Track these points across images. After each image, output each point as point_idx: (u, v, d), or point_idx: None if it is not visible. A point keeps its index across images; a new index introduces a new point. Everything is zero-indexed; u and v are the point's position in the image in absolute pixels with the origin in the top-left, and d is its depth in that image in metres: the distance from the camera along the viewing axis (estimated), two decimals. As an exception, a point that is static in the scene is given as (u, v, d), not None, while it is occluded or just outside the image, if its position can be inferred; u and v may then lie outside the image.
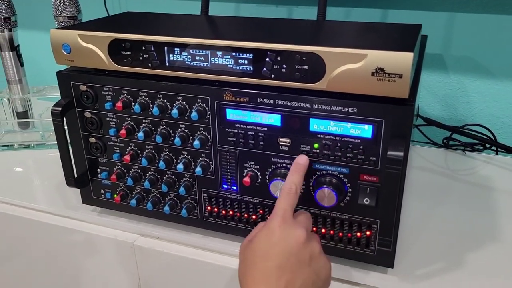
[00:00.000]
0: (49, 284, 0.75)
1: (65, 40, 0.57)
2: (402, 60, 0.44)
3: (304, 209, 0.54)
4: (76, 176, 0.64)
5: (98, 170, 0.64)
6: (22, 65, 0.90)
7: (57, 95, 0.92)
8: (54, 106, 0.59)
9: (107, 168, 0.63)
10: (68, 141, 0.62)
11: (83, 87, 0.59)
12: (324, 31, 0.60)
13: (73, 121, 0.62)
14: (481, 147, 0.85)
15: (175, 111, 0.55)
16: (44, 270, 0.74)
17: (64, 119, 0.60)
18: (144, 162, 0.59)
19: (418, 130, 0.89)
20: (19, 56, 0.89)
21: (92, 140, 0.62)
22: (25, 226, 0.71)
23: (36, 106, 0.94)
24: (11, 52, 0.88)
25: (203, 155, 0.57)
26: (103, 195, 0.66)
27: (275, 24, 0.64)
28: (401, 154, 0.46)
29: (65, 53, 0.58)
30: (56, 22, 0.86)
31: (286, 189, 0.48)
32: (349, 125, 0.49)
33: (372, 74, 0.45)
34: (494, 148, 0.84)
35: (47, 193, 0.74)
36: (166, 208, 0.61)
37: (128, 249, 0.64)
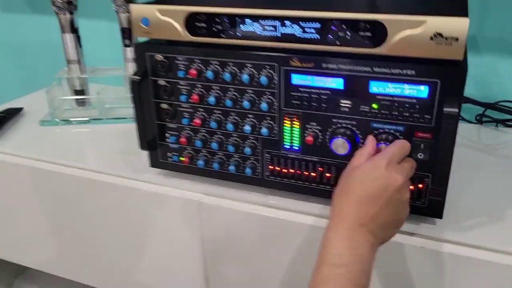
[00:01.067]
0: (119, 240, 0.81)
1: (144, 14, 0.63)
2: (459, 24, 0.50)
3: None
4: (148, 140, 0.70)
5: (167, 134, 0.70)
6: (80, 46, 0.97)
7: (108, 76, 1.00)
8: (132, 75, 0.66)
9: (176, 133, 0.70)
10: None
11: (158, 57, 0.65)
12: (381, 0, 0.66)
13: (145, 90, 0.68)
14: (513, 122, 0.90)
15: (245, 76, 0.61)
16: (113, 227, 0.80)
17: (140, 86, 0.67)
18: (213, 125, 0.66)
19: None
20: (78, 38, 0.96)
21: (164, 106, 0.68)
22: (96, 188, 0.77)
23: (92, 86, 1.02)
24: (71, 34, 0.95)
25: (268, 117, 0.63)
26: (170, 158, 0.72)
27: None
28: (456, 110, 0.52)
29: (144, 26, 0.64)
30: (114, 6, 0.93)
31: (402, 142, 0.55)
32: (406, 86, 0.55)
33: (431, 38, 0.51)
34: (525, 123, 0.89)
35: (113, 160, 0.81)
36: (232, 167, 0.67)
37: (194, 207, 0.70)
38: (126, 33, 0.95)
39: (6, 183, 0.86)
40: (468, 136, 0.88)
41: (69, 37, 0.95)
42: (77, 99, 1.00)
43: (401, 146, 0.55)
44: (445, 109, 0.52)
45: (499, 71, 0.93)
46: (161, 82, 0.67)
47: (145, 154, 0.74)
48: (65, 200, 0.82)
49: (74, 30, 0.95)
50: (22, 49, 1.40)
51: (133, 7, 0.64)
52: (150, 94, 0.68)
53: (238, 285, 0.74)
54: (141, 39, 0.68)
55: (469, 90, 0.95)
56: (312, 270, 0.47)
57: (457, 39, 0.50)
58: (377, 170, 0.51)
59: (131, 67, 0.98)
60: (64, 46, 0.96)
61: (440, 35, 0.51)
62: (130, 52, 0.97)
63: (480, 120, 0.92)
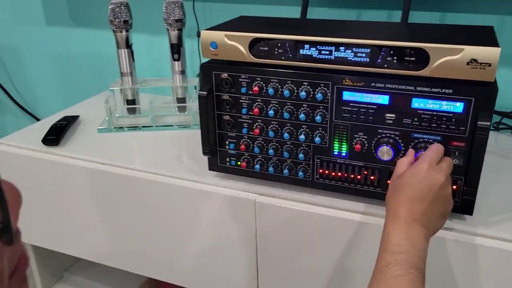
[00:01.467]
0: (175, 236, 0.91)
1: (213, 39, 0.73)
2: (492, 53, 0.60)
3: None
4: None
5: (226, 142, 0.80)
6: (133, 60, 1.07)
7: (156, 86, 1.09)
8: (200, 90, 0.76)
9: (235, 141, 0.79)
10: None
11: (224, 75, 0.75)
12: (419, 31, 0.76)
13: (209, 103, 0.78)
14: (527, 130, 1.00)
15: (303, 93, 0.71)
16: (169, 224, 0.90)
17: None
18: (270, 134, 0.76)
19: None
20: (132, 53, 1.06)
21: (226, 117, 0.78)
22: (158, 189, 0.87)
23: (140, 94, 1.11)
24: (126, 49, 1.05)
25: (321, 128, 0.73)
26: (228, 163, 0.82)
27: (371, 25, 0.80)
28: (488, 123, 0.62)
29: (212, 49, 0.74)
30: (165, 25, 1.03)
31: (436, 146, 0.65)
32: (444, 102, 0.65)
33: (467, 63, 0.61)
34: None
35: (169, 163, 0.90)
36: (286, 171, 0.77)
37: (250, 205, 0.80)
38: (175, 48, 1.05)
39: (69, 184, 0.95)
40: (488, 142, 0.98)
41: (123, 53, 1.05)
42: (128, 108, 1.10)
43: (436, 149, 0.65)
44: (479, 122, 0.62)
45: (514, 83, 1.03)
46: (225, 97, 0.77)
47: (198, 158, 0.84)
48: (124, 199, 0.91)
49: (129, 46, 1.05)
50: (63, 60, 1.50)
51: (203, 32, 0.74)
52: (213, 107, 0.78)
53: (288, 280, 0.83)
54: (204, 59, 0.77)
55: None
56: (376, 260, 0.57)
57: (490, 65, 0.60)
58: (421, 173, 0.61)
59: (178, 79, 1.08)
60: (119, 60, 1.06)
61: (476, 61, 0.61)
62: (177, 65, 1.07)
63: (497, 127, 1.02)
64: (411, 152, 0.67)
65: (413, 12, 1.05)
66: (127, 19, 1.02)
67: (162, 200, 0.88)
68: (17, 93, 1.61)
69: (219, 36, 0.73)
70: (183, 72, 1.08)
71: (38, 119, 1.57)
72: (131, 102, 1.09)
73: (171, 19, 1.02)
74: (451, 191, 0.62)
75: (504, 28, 0.99)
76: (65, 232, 1.02)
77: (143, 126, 1.07)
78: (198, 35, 1.26)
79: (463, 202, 0.69)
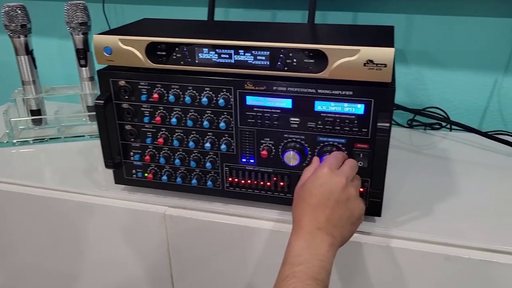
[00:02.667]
0: (86, 255, 0.85)
1: (107, 44, 0.68)
2: (386, 53, 0.59)
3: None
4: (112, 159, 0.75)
5: (131, 153, 0.75)
6: (35, 67, 0.99)
7: (64, 94, 1.02)
8: (97, 99, 0.70)
9: (140, 151, 0.75)
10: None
11: (121, 83, 0.70)
12: (320, 32, 0.75)
13: (109, 112, 0.73)
14: (438, 126, 1.02)
15: (204, 99, 0.67)
16: (80, 243, 0.84)
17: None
18: (175, 143, 0.72)
19: (386, 114, 1.05)
20: (33, 59, 0.98)
21: (128, 127, 0.73)
22: (60, 207, 0.81)
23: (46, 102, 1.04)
24: (26, 56, 0.97)
25: (226, 135, 0.70)
26: (134, 175, 0.77)
27: (276, 27, 0.78)
28: (388, 124, 0.61)
29: (106, 55, 0.69)
30: (69, 28, 0.96)
31: (337, 152, 0.64)
32: (345, 104, 0.64)
33: (364, 64, 0.60)
34: (448, 126, 1.02)
35: (77, 177, 0.84)
36: (194, 181, 0.74)
37: (160, 219, 0.76)
38: (81, 53, 0.99)
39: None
40: (401, 139, 0.99)
41: (23, 59, 0.97)
42: (33, 119, 1.02)
43: (336, 155, 0.63)
44: (379, 124, 0.61)
45: (425, 80, 1.05)
46: (124, 105, 0.72)
47: (107, 171, 0.78)
48: (30, 220, 0.84)
49: (29, 52, 0.97)
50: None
51: (95, 37, 0.68)
52: (114, 116, 0.73)
53: (204, 288, 0.80)
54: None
55: (401, 98, 1.08)
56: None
57: (385, 65, 0.60)
58: (320, 178, 0.59)
59: (87, 86, 1.02)
60: (19, 68, 0.98)
61: (372, 61, 0.60)
62: (85, 71, 1.00)
63: (411, 124, 1.03)
64: (315, 160, 0.65)
65: (328, 12, 1.05)
66: (25, 23, 0.94)
67: (70, 218, 0.81)
68: None
69: (113, 40, 0.68)
70: (91, 78, 1.01)
71: None
72: (36, 112, 1.01)
73: (73, 22, 0.95)
74: (356, 193, 0.61)
75: (413, 27, 1.01)
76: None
77: (50, 138, 1.00)
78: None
79: (371, 204, 0.68)
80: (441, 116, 1.01)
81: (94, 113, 1.01)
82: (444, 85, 1.04)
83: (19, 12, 0.93)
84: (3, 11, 0.93)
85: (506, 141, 0.91)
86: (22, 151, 0.96)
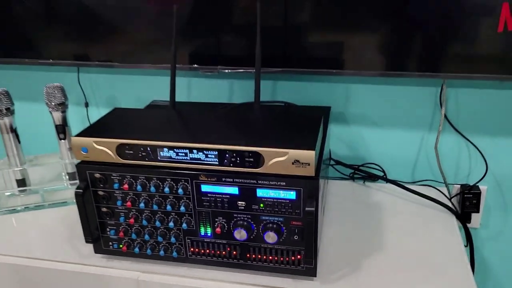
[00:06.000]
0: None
1: (83, 144, 0.82)
2: (309, 155, 0.74)
3: (258, 246, 0.83)
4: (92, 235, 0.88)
5: (108, 229, 0.89)
6: (19, 142, 1.12)
7: (46, 163, 1.14)
8: (76, 189, 0.84)
9: (115, 227, 0.88)
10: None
11: (97, 175, 0.84)
12: (260, 130, 0.86)
13: (87, 197, 0.86)
14: (376, 179, 1.19)
15: (166, 189, 0.81)
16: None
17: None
18: (144, 222, 0.85)
19: (332, 168, 1.21)
20: (17, 136, 1.11)
21: (104, 209, 0.87)
22: (44, 275, 0.94)
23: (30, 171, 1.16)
24: (10, 134, 1.09)
25: (187, 215, 0.84)
26: (111, 246, 0.90)
27: (224, 121, 0.93)
28: (313, 208, 0.76)
29: (83, 153, 0.83)
30: (49, 108, 1.09)
31: None
32: (281, 192, 0.79)
33: (292, 163, 0.75)
34: (384, 179, 1.18)
35: (60, 246, 0.97)
36: (162, 252, 0.88)
37: (134, 283, 0.89)
38: (60, 129, 1.12)
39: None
40: (344, 190, 1.15)
41: (8, 137, 1.09)
42: (19, 187, 1.14)
43: None
44: (306, 208, 0.76)
45: (364, 138, 1.21)
46: (100, 192, 0.85)
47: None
48: None
49: (13, 130, 1.10)
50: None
51: (73, 139, 0.82)
52: (92, 201, 0.86)
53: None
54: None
55: (345, 152, 1.24)
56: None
57: (309, 164, 0.75)
58: None
59: (67, 156, 1.14)
60: (4, 144, 1.10)
61: (298, 161, 0.75)
62: (64, 143, 1.13)
63: (352, 177, 1.19)
64: None
65: (277, 81, 1.20)
66: (8, 106, 1.07)
67: (53, 286, 0.94)
68: None
69: (89, 142, 0.82)
70: (70, 149, 1.14)
71: None
72: (21, 181, 1.14)
73: (53, 104, 1.08)
74: None
75: (351, 94, 1.17)
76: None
77: (35, 205, 1.12)
78: (86, 105, 1.34)
79: (307, 268, 0.83)
80: (378, 169, 1.17)
81: (75, 181, 1.14)
82: (381, 142, 1.20)
83: (2, 97, 1.06)
84: (-12, 98, 1.05)
85: (422, 194, 1.08)
86: (9, 219, 1.08)
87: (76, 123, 1.36)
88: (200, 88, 1.25)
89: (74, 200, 1.11)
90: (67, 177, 1.16)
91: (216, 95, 1.25)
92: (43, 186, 1.13)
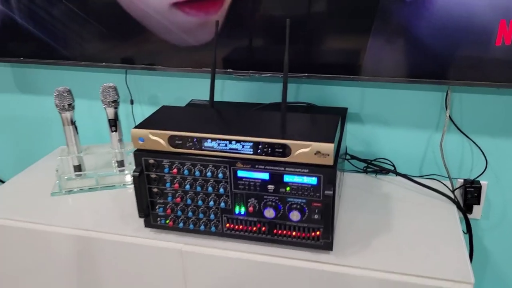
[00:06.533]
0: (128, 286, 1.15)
1: (141, 135, 0.99)
2: (329, 147, 0.90)
3: (283, 224, 0.99)
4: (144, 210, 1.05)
5: (157, 207, 1.06)
6: (77, 133, 1.30)
7: (99, 152, 1.32)
8: (133, 172, 1.01)
9: (163, 205, 1.05)
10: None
11: (150, 161, 1.01)
12: (288, 126, 1.03)
13: (142, 179, 1.03)
14: (386, 172, 1.33)
15: (209, 173, 0.98)
16: (114, 277, 1.14)
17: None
18: (188, 201, 1.02)
19: (348, 162, 1.36)
20: (76, 128, 1.29)
21: (155, 190, 1.04)
22: (103, 246, 1.11)
23: (85, 158, 1.34)
24: (71, 126, 1.28)
25: (224, 196, 1.00)
26: (159, 222, 1.08)
27: (258, 119, 1.09)
28: (331, 192, 0.92)
29: (140, 142, 1.00)
30: (103, 105, 1.27)
31: None
32: (305, 178, 0.94)
33: (315, 154, 0.91)
34: (394, 173, 1.33)
35: (114, 222, 1.15)
36: (202, 227, 1.04)
37: (177, 253, 1.06)
38: (112, 122, 1.29)
39: (28, 248, 1.17)
40: (358, 182, 1.30)
41: (68, 129, 1.27)
42: (75, 172, 1.32)
43: None
44: (325, 191, 0.92)
45: (377, 135, 1.36)
46: (152, 175, 1.02)
47: (138, 218, 1.09)
48: (74, 258, 1.14)
49: (73, 123, 1.28)
50: (11, 125, 1.68)
51: (133, 130, 0.99)
52: (145, 182, 1.03)
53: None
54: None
55: (359, 148, 1.39)
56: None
57: (328, 155, 0.90)
58: None
59: (117, 146, 1.32)
60: (65, 134, 1.28)
61: (319, 152, 0.91)
62: (115, 135, 1.31)
63: (365, 170, 1.34)
64: None
65: (301, 85, 1.36)
66: (70, 102, 1.25)
67: (108, 255, 1.12)
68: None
69: (145, 133, 0.99)
70: (120, 140, 1.32)
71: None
72: (77, 168, 1.32)
73: (107, 101, 1.26)
74: None
75: (366, 96, 1.32)
76: None
77: (89, 188, 1.30)
78: (131, 102, 1.51)
79: (324, 243, 0.99)
80: (388, 164, 1.32)
81: (122, 168, 1.32)
82: (392, 140, 1.35)
83: (66, 95, 1.24)
84: (55, 94, 1.23)
85: (428, 186, 1.23)
86: (70, 199, 1.26)
87: (122, 118, 1.54)
88: (232, 89, 1.42)
89: (122, 184, 1.30)
90: (116, 164, 1.34)
91: (246, 96, 1.41)
92: (96, 171, 1.31)
